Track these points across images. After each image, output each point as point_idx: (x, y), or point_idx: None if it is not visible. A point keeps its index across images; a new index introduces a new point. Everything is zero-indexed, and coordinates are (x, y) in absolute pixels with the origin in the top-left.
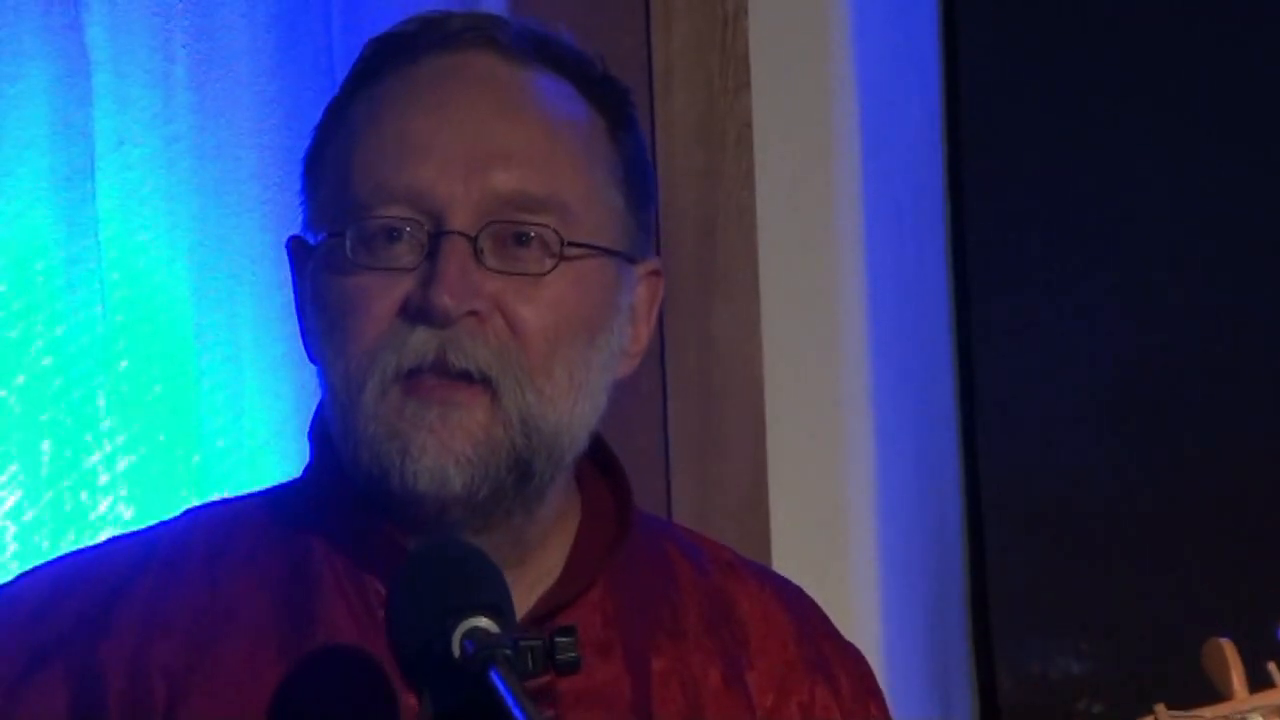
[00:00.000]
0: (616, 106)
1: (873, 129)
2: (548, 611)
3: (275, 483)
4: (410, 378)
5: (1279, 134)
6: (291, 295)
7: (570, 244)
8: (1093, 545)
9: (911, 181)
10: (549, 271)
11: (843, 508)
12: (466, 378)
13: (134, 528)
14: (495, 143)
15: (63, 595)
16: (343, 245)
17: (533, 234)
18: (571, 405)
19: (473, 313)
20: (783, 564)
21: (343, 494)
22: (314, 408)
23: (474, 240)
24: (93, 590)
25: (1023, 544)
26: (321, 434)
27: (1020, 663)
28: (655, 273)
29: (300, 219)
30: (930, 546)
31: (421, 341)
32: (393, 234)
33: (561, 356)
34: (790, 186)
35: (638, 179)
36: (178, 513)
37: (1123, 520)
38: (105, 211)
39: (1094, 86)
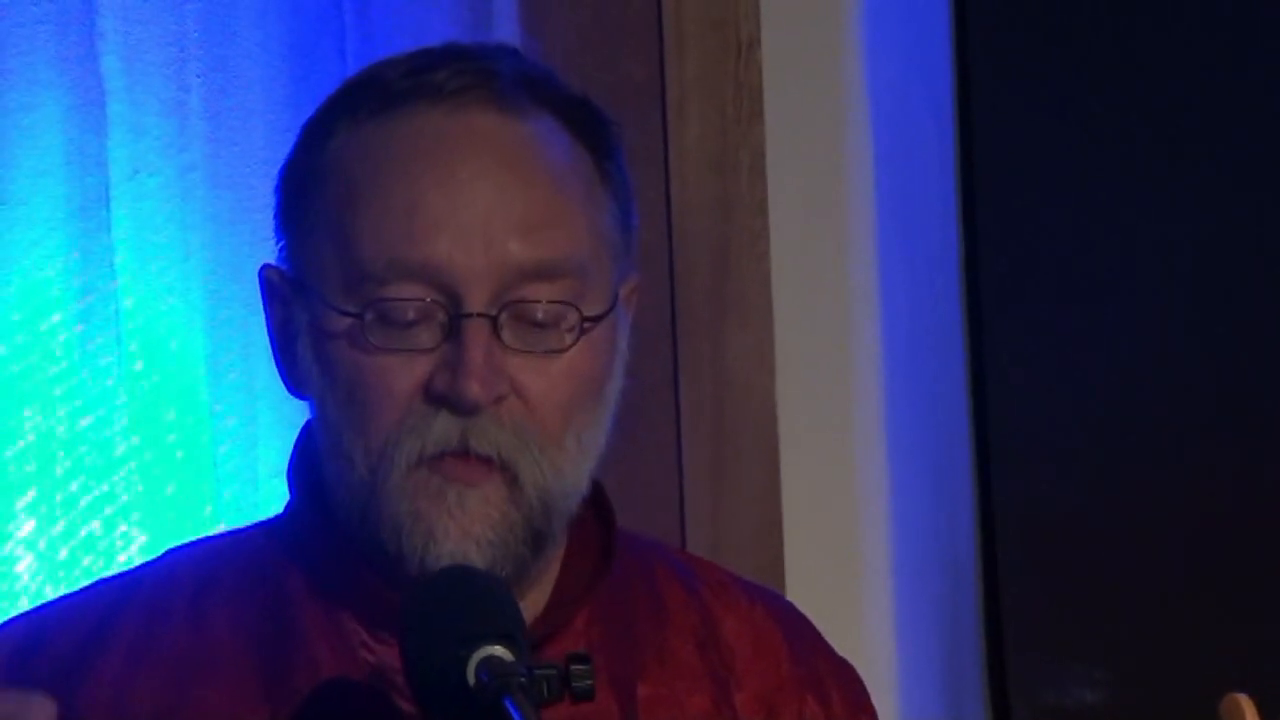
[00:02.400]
0: (601, 137)
1: (886, 157)
2: (532, 643)
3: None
4: (431, 459)
5: None
6: None
7: (587, 319)
8: (1108, 572)
9: (925, 209)
10: (569, 348)
11: (856, 534)
12: (486, 461)
13: (147, 554)
14: (508, 213)
15: (43, 642)
16: (360, 325)
17: (553, 311)
18: (580, 468)
19: (496, 398)
20: (796, 591)
21: (325, 535)
22: None
23: (494, 319)
24: (72, 636)
25: (1037, 571)
26: (303, 473)
27: (1035, 690)
28: (635, 288)
29: (276, 246)
30: (944, 573)
31: (444, 429)
32: (410, 313)
33: (574, 424)
34: (804, 215)
35: (625, 203)
36: (158, 554)
37: (1139, 547)
38: (120, 240)
39: (1111, 106)
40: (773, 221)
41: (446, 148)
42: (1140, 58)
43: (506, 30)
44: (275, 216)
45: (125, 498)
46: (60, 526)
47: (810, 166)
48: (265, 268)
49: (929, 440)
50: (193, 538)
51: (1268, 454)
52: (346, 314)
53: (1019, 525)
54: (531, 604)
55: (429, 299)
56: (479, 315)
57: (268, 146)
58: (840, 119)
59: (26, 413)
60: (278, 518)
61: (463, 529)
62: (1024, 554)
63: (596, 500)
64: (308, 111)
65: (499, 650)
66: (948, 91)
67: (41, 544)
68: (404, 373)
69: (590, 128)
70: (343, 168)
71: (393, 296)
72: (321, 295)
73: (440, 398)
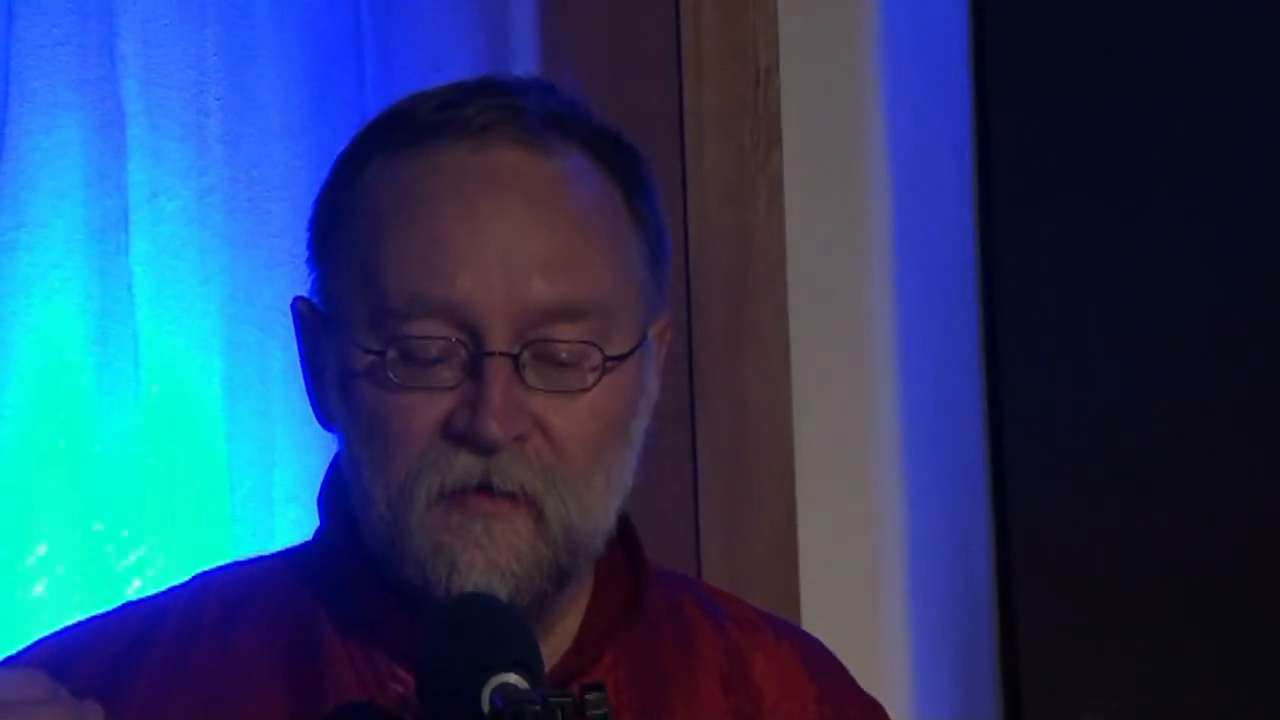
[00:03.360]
0: (632, 172)
1: (904, 185)
2: (560, 680)
3: (304, 536)
4: (454, 495)
5: None
6: None
7: (610, 358)
8: (1125, 603)
9: (943, 236)
10: (591, 387)
11: (872, 563)
12: (510, 497)
13: (162, 578)
14: (532, 251)
15: (71, 665)
16: (381, 362)
17: (576, 351)
18: (606, 506)
19: (517, 436)
20: (811, 623)
21: (354, 566)
22: None
23: (516, 357)
24: (102, 657)
25: (1054, 601)
26: (333, 500)
27: None
28: (666, 325)
29: (308, 279)
30: (960, 602)
31: (465, 467)
32: (432, 350)
33: (601, 462)
34: (821, 244)
35: (656, 240)
36: (188, 578)
37: (1157, 579)
38: (138, 263)
39: (1129, 124)
40: (790, 250)
41: (470, 184)
42: (1157, 76)
43: (525, 59)
44: (307, 249)
45: (141, 520)
46: (76, 548)
47: (828, 195)
48: (297, 300)
49: (945, 469)
50: (209, 561)
51: None
52: (369, 351)
53: (1036, 554)
54: (557, 640)
55: (451, 337)
56: (500, 354)
57: (286, 171)
58: (858, 147)
59: (43, 434)
60: (307, 544)
61: (489, 559)
62: (1040, 583)
63: (625, 536)
64: (326, 136)
65: (514, 678)
66: (965, 119)
67: (58, 567)
68: (425, 411)
69: (621, 164)
70: (370, 202)
71: (415, 334)
72: (347, 330)
73: (460, 436)
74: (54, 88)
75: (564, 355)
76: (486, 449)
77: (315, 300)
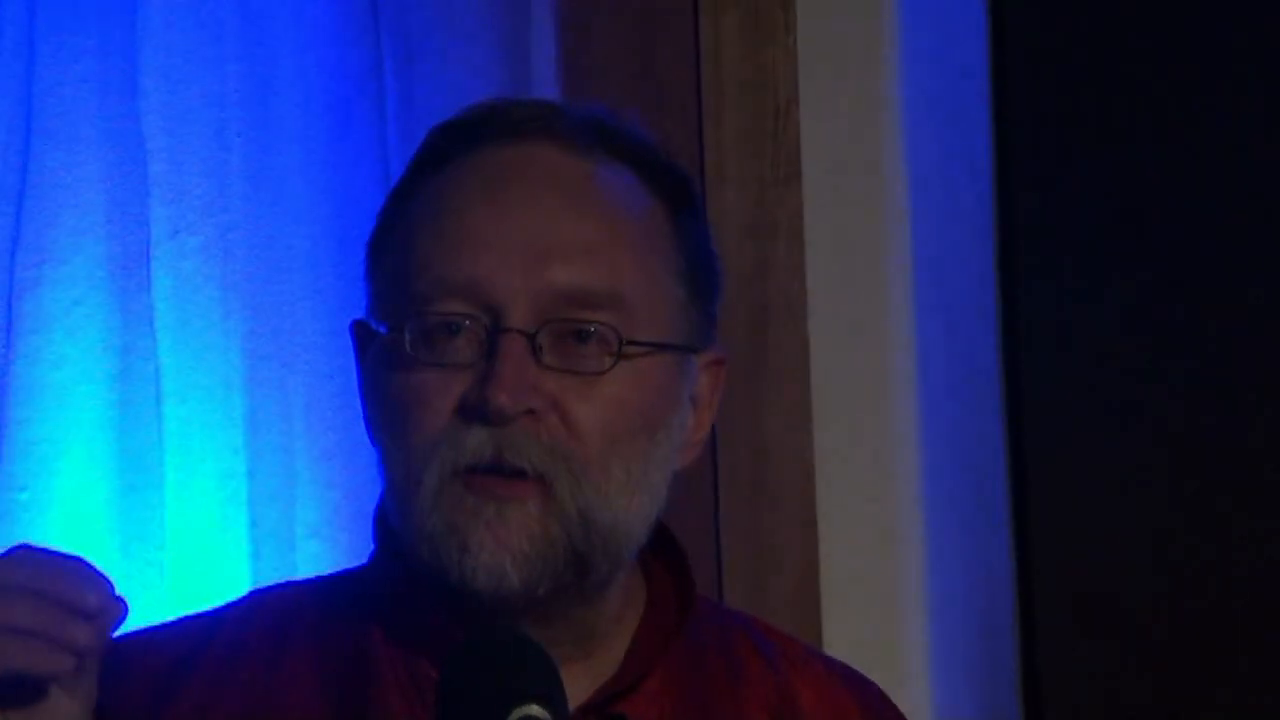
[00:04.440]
0: (679, 194)
1: (924, 218)
2: (603, 702)
3: (326, 571)
4: (467, 474)
5: None
6: (343, 382)
7: (629, 343)
8: (1148, 643)
9: (964, 270)
10: (608, 370)
11: (895, 602)
12: (521, 475)
13: (183, 612)
14: (555, 237)
15: (126, 669)
16: (402, 340)
17: (592, 331)
18: (628, 501)
19: (529, 411)
20: (834, 653)
21: (403, 584)
22: (365, 497)
23: (532, 337)
24: (154, 667)
25: (1076, 632)
26: (384, 522)
27: None
28: (718, 361)
29: (364, 303)
30: (983, 635)
31: (478, 441)
32: (452, 329)
33: (619, 453)
34: (841, 278)
35: (701, 268)
36: (242, 594)
37: (1177, 602)
38: (160, 300)
39: (1155, 142)
40: (810, 285)
41: (502, 173)
42: (1180, 81)
43: (545, 91)
44: (364, 277)
45: (162, 556)
46: None
47: (848, 229)
48: (353, 323)
49: (967, 500)
50: (229, 596)
51: None
52: (392, 331)
53: (1057, 574)
54: (601, 664)
55: (470, 315)
56: (516, 331)
57: (308, 207)
58: (878, 180)
59: (66, 469)
60: (361, 566)
61: (500, 541)
62: (1061, 605)
63: (674, 560)
64: (348, 172)
65: (536, 709)
66: (986, 151)
67: None
68: (442, 388)
69: (668, 183)
70: (413, 209)
71: (435, 311)
72: (380, 326)
73: (474, 412)
74: (75, 124)
75: (580, 335)
76: (496, 420)
77: (367, 318)
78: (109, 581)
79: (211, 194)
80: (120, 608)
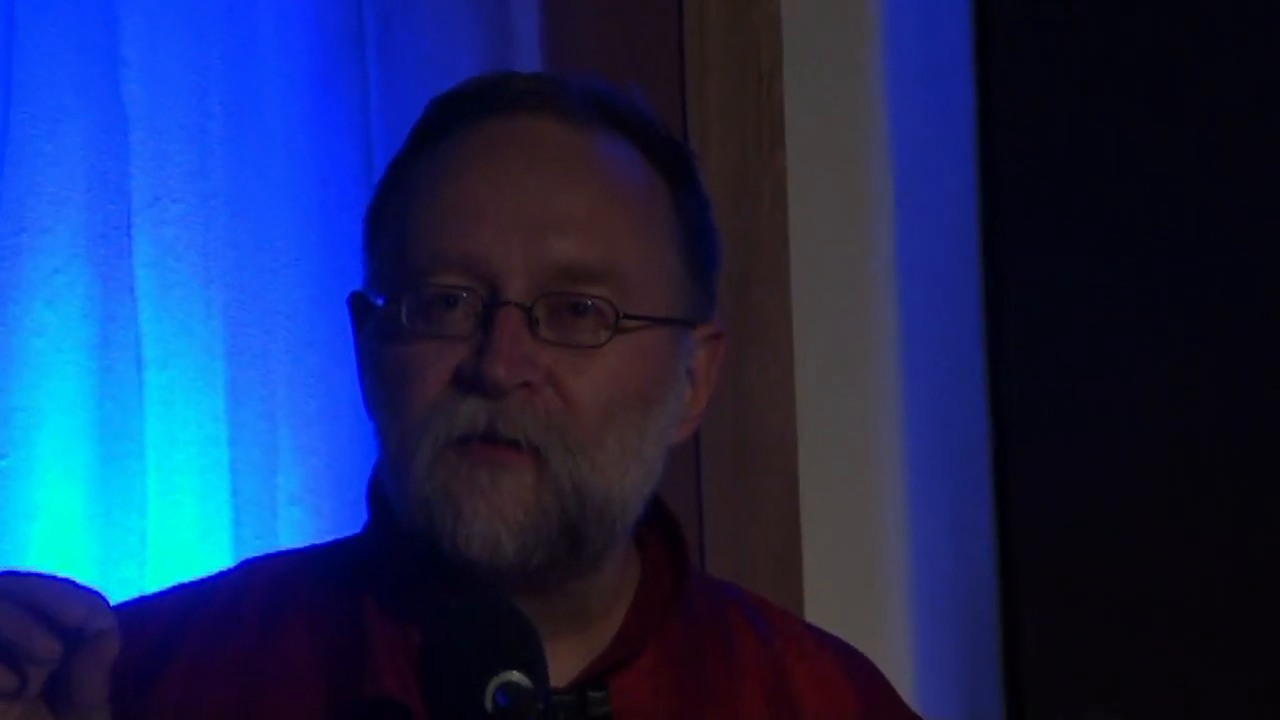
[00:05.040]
0: (679, 168)
1: (907, 184)
2: (596, 676)
3: (308, 538)
4: (461, 444)
5: None
6: (326, 350)
7: (626, 316)
8: (1126, 605)
9: (947, 237)
10: (604, 344)
11: (876, 565)
12: (515, 446)
13: (164, 582)
14: (553, 210)
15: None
16: (399, 312)
17: (589, 304)
18: (623, 474)
19: (525, 384)
20: (815, 619)
21: (397, 554)
22: (347, 464)
23: (529, 310)
24: (143, 640)
25: (1057, 608)
26: (378, 492)
27: None
28: (716, 335)
29: (361, 275)
30: (964, 602)
31: (472, 411)
32: (448, 301)
33: (614, 426)
34: (824, 244)
35: (699, 241)
36: (231, 564)
37: (1160, 589)
38: (141, 267)
39: (1136, 116)
40: (793, 249)
41: (500, 146)
42: (1162, 73)
43: (528, 59)
44: (362, 249)
45: (144, 524)
46: (78, 552)
47: (831, 194)
48: (351, 295)
49: (949, 464)
50: (211, 565)
51: None
52: (389, 302)
53: (1039, 553)
54: (597, 637)
55: (467, 288)
56: (513, 304)
57: (290, 175)
58: (861, 146)
59: (45, 438)
60: (354, 535)
61: (493, 508)
62: (1044, 583)
63: (671, 538)
64: (329, 140)
65: (517, 676)
66: (968, 117)
67: (58, 566)
68: (437, 359)
69: (670, 159)
70: (411, 181)
71: (431, 283)
72: (377, 298)
73: (469, 383)
74: (56, 92)
75: (576, 309)
76: (492, 392)
77: (364, 290)
78: (102, 601)
79: (192, 162)
80: (111, 633)
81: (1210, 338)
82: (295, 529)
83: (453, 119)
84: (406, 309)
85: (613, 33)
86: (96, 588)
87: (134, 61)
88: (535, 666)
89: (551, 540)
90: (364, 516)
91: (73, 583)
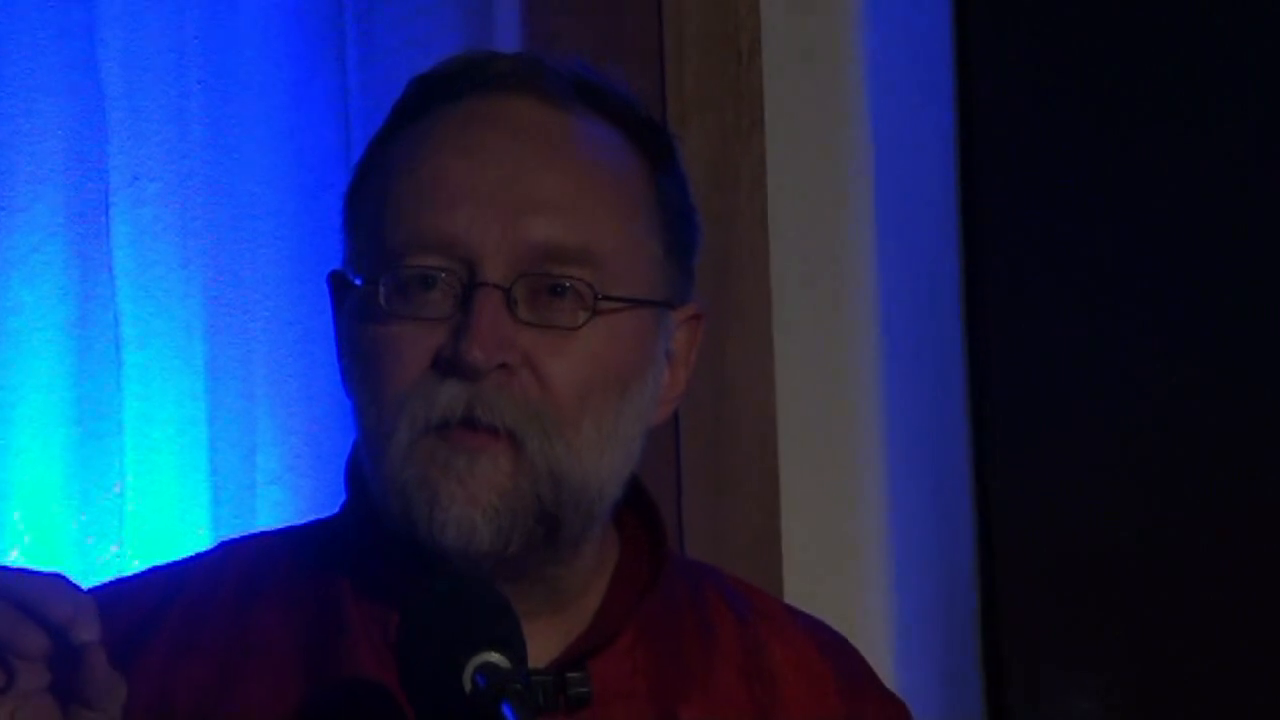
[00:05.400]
0: (659, 150)
1: (887, 167)
2: (575, 659)
3: (287, 517)
4: (439, 430)
5: None
6: (304, 329)
7: (604, 297)
8: (1107, 579)
9: (926, 219)
10: (582, 325)
11: (856, 542)
12: (492, 431)
13: (143, 561)
14: (532, 191)
15: None
16: (377, 293)
17: (568, 285)
18: (599, 457)
19: (503, 366)
20: (794, 599)
21: (374, 535)
22: (326, 444)
23: (508, 291)
24: (121, 621)
25: (1036, 578)
26: (356, 473)
27: (1033, 699)
28: (695, 317)
29: (340, 254)
30: (943, 580)
31: (451, 395)
32: (427, 282)
33: (591, 409)
34: (804, 226)
35: (679, 223)
36: (211, 545)
37: (1137, 555)
38: (119, 247)
39: (1115, 107)
40: (772, 231)
41: (479, 125)
42: (1141, 62)
43: (508, 40)
44: (341, 228)
45: (121, 501)
46: (57, 532)
47: (811, 177)
48: (330, 274)
49: (928, 450)
50: (190, 545)
51: (1267, 462)
52: (367, 283)
53: (1018, 532)
54: (575, 617)
55: (446, 269)
56: (492, 285)
57: (268, 153)
58: (841, 129)
59: (24, 418)
60: (331, 516)
61: (469, 494)
62: (1023, 561)
63: (649, 519)
64: (308, 119)
65: (496, 657)
66: (949, 101)
67: (36, 545)
68: (416, 341)
69: (651, 143)
70: (389, 159)
71: (410, 264)
72: (356, 278)
73: (448, 365)
74: (33, 71)
75: (555, 290)
76: (470, 374)
77: (343, 270)
78: (86, 599)
79: (171, 140)
80: (95, 642)
81: (1186, 323)
82: (274, 508)
83: (432, 99)
84: (385, 290)
85: (592, 13)
86: (67, 574)
87: (112, 41)
88: (514, 647)
89: (528, 526)
90: (343, 496)
91: (59, 578)
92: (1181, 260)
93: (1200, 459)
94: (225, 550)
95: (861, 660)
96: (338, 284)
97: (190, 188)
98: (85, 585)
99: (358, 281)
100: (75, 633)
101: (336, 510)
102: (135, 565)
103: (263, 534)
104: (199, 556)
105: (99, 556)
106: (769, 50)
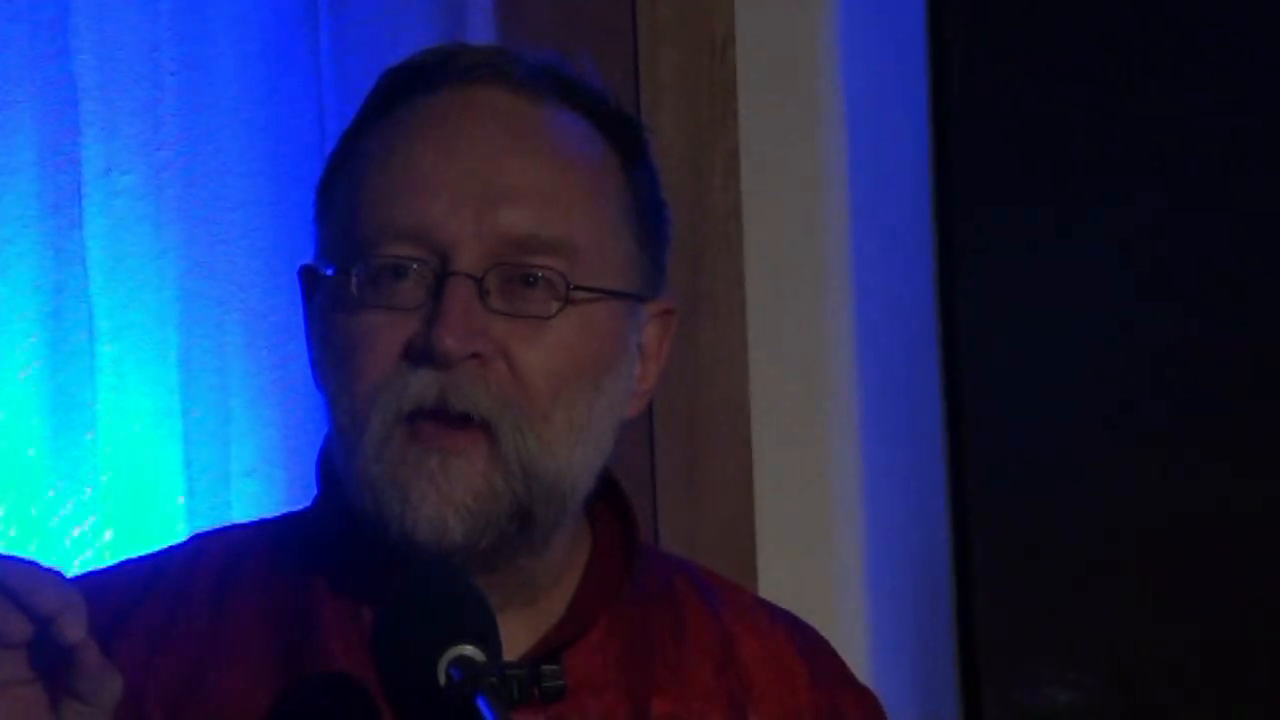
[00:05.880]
0: (631, 142)
1: (861, 157)
2: (548, 651)
3: (262, 510)
4: (411, 420)
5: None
6: (278, 321)
7: (577, 288)
8: (1081, 572)
9: (900, 208)
10: (554, 315)
11: (829, 533)
12: (465, 420)
13: (116, 552)
14: (504, 181)
15: None
16: (349, 282)
17: (540, 275)
18: (572, 450)
19: (475, 355)
20: (768, 591)
21: (345, 530)
22: (300, 436)
23: (480, 281)
24: (98, 611)
25: (1011, 570)
26: (328, 466)
27: (1008, 692)
28: (668, 311)
29: (312, 247)
30: (917, 572)
31: (423, 384)
32: (399, 272)
33: (563, 400)
34: (778, 216)
35: (651, 216)
36: (185, 537)
37: (1111, 547)
38: (92, 239)
39: (1089, 106)
40: (746, 222)
41: (451, 117)
42: (1113, 64)
43: (480, 30)
44: (313, 220)
45: (94, 494)
46: (31, 522)
47: (785, 167)
48: (301, 268)
49: (902, 441)
50: (164, 537)
51: (1240, 461)
52: (339, 273)
53: (992, 524)
54: (548, 609)
55: (417, 258)
56: (464, 274)
57: (241, 145)
58: (815, 118)
59: None
60: (304, 509)
61: (443, 494)
62: (997, 553)
63: (622, 511)
64: (281, 110)
65: (470, 650)
66: (923, 91)
67: (12, 533)
68: (389, 330)
69: (622, 133)
70: (361, 152)
71: (381, 254)
72: (327, 268)
73: (419, 355)
74: (6, 63)
75: (528, 280)
76: (442, 362)
77: (314, 262)
78: (74, 590)
79: (144, 132)
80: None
81: (1160, 321)
82: (249, 500)
83: (405, 90)
84: (356, 279)
85: (564, 3)
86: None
87: (84, 32)
88: (488, 640)
89: (501, 522)
90: (315, 491)
91: (49, 570)
92: (1157, 261)
93: (1177, 455)
94: (199, 543)
95: (834, 653)
96: (309, 278)
97: (164, 180)
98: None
99: (329, 272)
100: (63, 626)
101: (310, 503)
102: (111, 557)
103: (236, 527)
104: (172, 549)
105: (74, 549)
106: (742, 40)
